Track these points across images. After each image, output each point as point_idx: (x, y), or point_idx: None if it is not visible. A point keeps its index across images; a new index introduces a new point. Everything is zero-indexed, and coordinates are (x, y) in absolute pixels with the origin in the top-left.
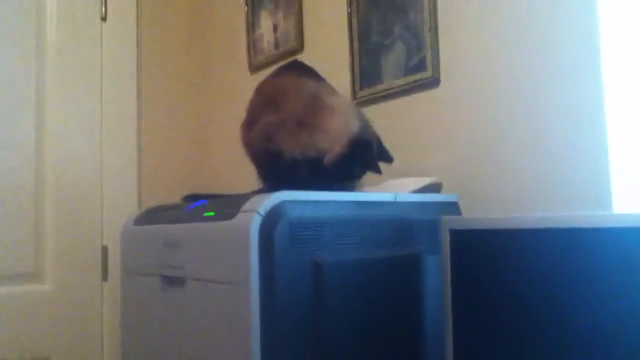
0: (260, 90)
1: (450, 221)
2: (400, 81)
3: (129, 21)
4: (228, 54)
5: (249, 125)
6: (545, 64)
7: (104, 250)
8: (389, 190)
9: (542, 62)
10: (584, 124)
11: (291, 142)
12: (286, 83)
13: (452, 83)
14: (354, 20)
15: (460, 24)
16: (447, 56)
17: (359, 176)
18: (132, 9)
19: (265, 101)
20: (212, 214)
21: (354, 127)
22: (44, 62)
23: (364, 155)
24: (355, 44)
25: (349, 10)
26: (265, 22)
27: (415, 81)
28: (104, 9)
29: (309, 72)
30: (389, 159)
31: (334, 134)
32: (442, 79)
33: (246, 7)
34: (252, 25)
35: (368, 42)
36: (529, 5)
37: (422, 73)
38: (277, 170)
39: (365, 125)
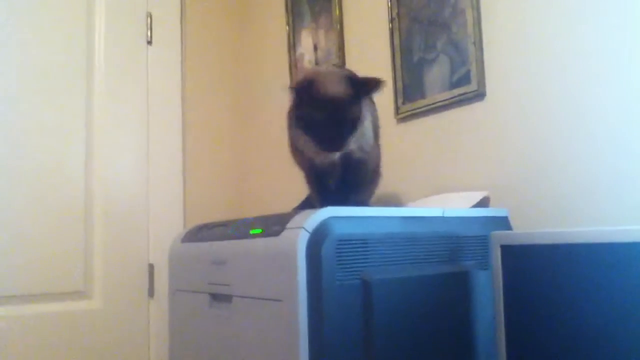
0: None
1: (501, 236)
2: (445, 95)
3: (174, 44)
4: (271, 74)
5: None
6: (594, 75)
7: (150, 268)
8: (438, 205)
9: (590, 73)
10: (638, 134)
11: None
12: None
13: (498, 96)
14: (396, 37)
15: (504, 36)
16: (492, 69)
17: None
18: (177, 33)
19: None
20: (258, 231)
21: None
22: (93, 85)
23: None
24: (398, 59)
25: (390, 27)
26: (306, 41)
27: (459, 95)
28: (149, 33)
29: None
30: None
31: None
32: (487, 92)
33: (287, 27)
34: (293, 45)
35: (410, 58)
36: (574, 14)
37: (467, 86)
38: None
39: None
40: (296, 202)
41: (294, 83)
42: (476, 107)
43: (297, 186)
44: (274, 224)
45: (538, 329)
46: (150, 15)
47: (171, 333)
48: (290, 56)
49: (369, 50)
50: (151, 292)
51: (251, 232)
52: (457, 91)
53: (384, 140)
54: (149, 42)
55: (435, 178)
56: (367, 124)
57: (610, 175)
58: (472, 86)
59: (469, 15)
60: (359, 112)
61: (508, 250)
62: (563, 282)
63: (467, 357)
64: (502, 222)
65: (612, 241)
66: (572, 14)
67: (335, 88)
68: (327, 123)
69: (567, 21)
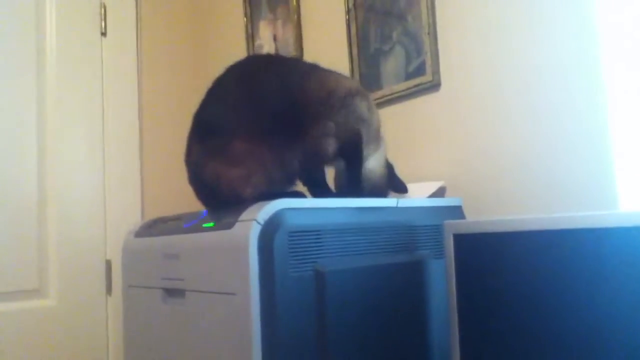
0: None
1: (453, 225)
2: (401, 86)
3: (129, 36)
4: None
5: None
6: (545, 66)
7: (108, 264)
8: (395, 195)
9: (542, 64)
10: (587, 124)
11: None
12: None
13: (452, 86)
14: (353, 27)
15: (458, 27)
16: (447, 60)
17: None
18: (132, 24)
19: None
20: (211, 224)
21: None
22: (45, 78)
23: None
24: (354, 50)
25: (347, 18)
26: (265, 32)
27: (415, 86)
28: (103, 24)
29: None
30: (403, 189)
31: None
32: (442, 82)
33: (245, 19)
34: (251, 36)
35: (367, 49)
36: (527, 7)
37: (422, 77)
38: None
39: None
40: None
41: None
42: (431, 98)
43: None
44: (226, 217)
45: (490, 316)
46: (104, 6)
47: (126, 330)
48: (248, 47)
49: (327, 41)
50: (109, 289)
51: (204, 225)
52: (412, 82)
53: None
54: (103, 34)
55: None
56: None
57: (562, 164)
58: (427, 77)
59: (424, 6)
60: None
61: (461, 239)
62: (516, 270)
63: (422, 346)
64: (456, 212)
65: (565, 228)
66: (526, 5)
67: None
68: None
69: (521, 13)
